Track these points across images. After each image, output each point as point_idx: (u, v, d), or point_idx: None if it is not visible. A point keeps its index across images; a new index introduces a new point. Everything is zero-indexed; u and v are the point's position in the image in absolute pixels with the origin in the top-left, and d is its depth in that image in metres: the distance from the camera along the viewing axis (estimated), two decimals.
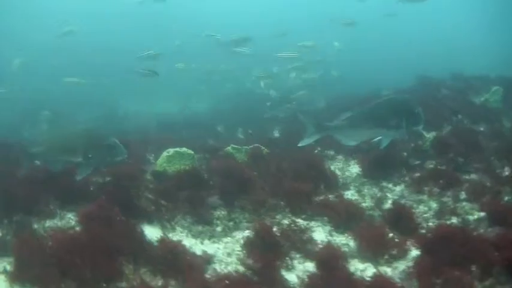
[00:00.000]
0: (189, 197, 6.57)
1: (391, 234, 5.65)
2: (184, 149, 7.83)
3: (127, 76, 18.08)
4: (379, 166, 7.79)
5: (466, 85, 12.02)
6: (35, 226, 6.67)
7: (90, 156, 6.90)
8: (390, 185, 7.63)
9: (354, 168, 8.46)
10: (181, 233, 6.30)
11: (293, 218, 6.50)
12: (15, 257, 5.32)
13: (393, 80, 12.09)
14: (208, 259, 5.60)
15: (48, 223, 6.81)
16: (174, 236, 6.14)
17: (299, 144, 7.28)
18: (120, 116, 14.87)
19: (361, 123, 7.23)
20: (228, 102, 16.25)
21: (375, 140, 7.43)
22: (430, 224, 6.29)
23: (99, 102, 15.25)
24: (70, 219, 6.90)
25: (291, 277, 5.17)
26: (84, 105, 14.95)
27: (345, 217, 6.30)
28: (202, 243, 6.09)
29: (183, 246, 5.68)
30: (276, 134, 11.56)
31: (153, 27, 22.18)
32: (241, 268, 5.43)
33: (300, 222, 6.40)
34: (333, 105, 12.58)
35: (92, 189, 7.41)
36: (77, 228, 6.16)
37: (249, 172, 7.03)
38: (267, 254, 5.39)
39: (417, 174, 7.73)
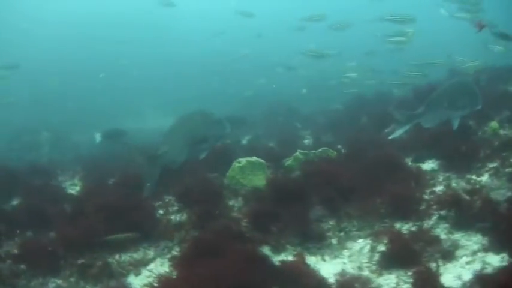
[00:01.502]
0: (291, 210, 5.69)
1: None
2: (255, 158, 6.98)
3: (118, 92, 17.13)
4: (458, 157, 7.31)
5: (490, 75, 11.97)
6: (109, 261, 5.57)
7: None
8: (474, 176, 7.13)
9: (426, 164, 7.91)
10: (294, 251, 5.43)
11: (403, 221, 5.82)
12: None
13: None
14: (345, 278, 4.82)
15: (124, 257, 5.69)
16: (288, 256, 5.33)
17: (390, 137, 7.53)
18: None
19: (438, 106, 7.59)
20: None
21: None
22: None
23: (95, 121, 13.72)
24: (147, 251, 5.81)
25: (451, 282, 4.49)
26: (80, 124, 13.42)
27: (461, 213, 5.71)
28: (323, 260, 5.33)
29: (314, 268, 4.94)
30: (307, 141, 10.76)
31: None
32: (382, 282, 4.71)
33: (412, 224, 5.74)
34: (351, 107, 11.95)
35: (161, 213, 6.36)
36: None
37: (347, 176, 6.26)
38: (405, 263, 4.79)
39: (495, 164, 7.30)
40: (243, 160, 6.90)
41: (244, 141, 10.88)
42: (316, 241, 5.55)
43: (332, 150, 7.62)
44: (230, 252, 4.71)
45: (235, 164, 6.88)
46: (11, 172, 8.03)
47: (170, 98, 16.03)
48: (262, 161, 7.01)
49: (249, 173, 6.79)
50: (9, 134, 12.43)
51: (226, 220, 5.84)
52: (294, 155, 7.46)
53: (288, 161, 7.43)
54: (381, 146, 8.10)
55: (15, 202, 7.53)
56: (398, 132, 7.54)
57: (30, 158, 10.82)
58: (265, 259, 4.77)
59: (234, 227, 5.45)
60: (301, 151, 7.49)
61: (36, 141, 12.58)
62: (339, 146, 8.75)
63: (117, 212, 6.07)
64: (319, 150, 7.56)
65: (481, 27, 8.75)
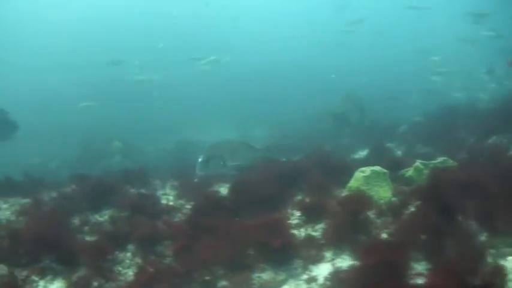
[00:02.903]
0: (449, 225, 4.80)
1: None
2: (378, 168, 6.13)
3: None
4: None
5: None
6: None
7: None
8: None
9: None
10: None
11: None
12: None
13: None
14: None
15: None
16: None
17: None
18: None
19: None
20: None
21: None
22: None
23: (161, 131, 13.06)
24: (277, 271, 4.96)
25: None
26: (148, 135, 12.78)
27: None
28: None
29: None
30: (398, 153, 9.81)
31: None
32: None
33: None
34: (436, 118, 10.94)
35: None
36: None
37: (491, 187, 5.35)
38: None
39: None
40: (367, 169, 6.06)
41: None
42: None
43: (452, 161, 6.72)
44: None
45: (359, 174, 6.04)
46: (98, 180, 7.31)
47: (235, 113, 15.48)
48: (385, 170, 6.15)
49: (374, 183, 5.93)
50: (79, 143, 11.87)
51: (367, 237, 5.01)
52: (414, 165, 6.59)
53: (408, 172, 6.57)
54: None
55: (106, 211, 6.80)
56: None
57: (101, 167, 10.14)
58: None
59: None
60: (422, 161, 6.61)
61: (107, 150, 11.99)
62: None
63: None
64: (439, 160, 6.68)
65: None
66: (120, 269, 5.62)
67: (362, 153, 9.57)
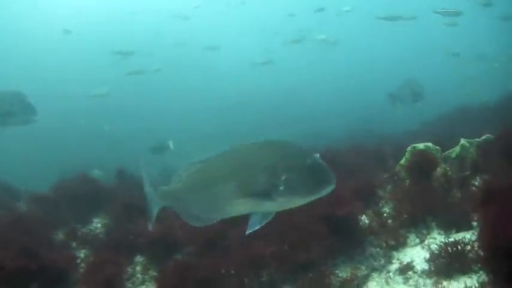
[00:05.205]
0: None
1: None
2: (430, 144, 5.11)
3: None
4: None
5: None
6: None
7: None
8: None
9: None
10: None
11: None
12: None
13: None
14: None
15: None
16: None
17: None
18: None
19: None
20: None
21: None
22: None
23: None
24: (357, 265, 3.63)
25: None
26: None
27: None
28: None
29: None
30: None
31: None
32: None
33: None
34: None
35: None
36: None
37: None
38: None
39: None
40: (421, 145, 5.05)
41: None
42: None
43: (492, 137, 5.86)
44: None
45: (412, 151, 4.97)
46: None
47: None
48: (438, 147, 5.15)
49: None
50: (57, 172, 9.80)
51: None
52: (460, 143, 5.63)
53: (455, 151, 5.59)
54: None
55: (97, 222, 5.19)
56: None
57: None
58: None
59: None
60: (466, 140, 5.69)
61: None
62: None
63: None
64: (484, 137, 5.78)
65: None
66: (130, 285, 4.03)
67: None
